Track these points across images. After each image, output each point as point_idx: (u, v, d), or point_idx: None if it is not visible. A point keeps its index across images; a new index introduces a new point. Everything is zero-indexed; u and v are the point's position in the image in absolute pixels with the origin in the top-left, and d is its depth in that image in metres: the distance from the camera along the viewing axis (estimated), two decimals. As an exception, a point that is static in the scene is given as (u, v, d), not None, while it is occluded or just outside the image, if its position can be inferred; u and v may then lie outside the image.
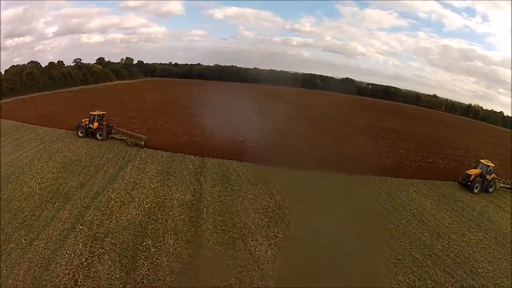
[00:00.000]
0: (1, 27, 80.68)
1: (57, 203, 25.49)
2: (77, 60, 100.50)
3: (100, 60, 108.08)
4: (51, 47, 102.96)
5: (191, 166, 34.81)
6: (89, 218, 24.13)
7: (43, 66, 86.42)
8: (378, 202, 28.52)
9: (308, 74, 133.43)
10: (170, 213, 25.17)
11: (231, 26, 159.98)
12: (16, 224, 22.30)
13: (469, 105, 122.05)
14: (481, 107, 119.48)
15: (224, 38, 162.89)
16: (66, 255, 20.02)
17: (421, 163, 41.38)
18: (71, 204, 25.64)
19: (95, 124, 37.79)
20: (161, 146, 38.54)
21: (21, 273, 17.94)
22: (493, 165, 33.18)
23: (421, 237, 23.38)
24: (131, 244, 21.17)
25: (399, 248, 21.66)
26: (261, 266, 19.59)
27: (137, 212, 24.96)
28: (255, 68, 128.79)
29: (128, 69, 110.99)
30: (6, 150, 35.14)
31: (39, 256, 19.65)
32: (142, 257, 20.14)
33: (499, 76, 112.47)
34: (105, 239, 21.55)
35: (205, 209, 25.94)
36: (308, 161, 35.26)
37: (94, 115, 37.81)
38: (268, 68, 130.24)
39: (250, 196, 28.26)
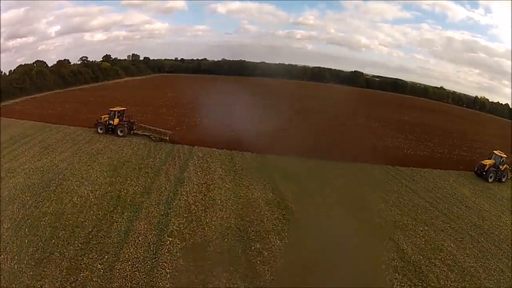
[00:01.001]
0: (3, 29, 77.67)
1: (125, 213, 21.74)
2: (84, 58, 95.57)
3: (107, 58, 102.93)
4: (54, 47, 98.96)
5: (254, 163, 32.05)
6: (174, 227, 20.70)
7: (49, 65, 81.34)
8: (429, 191, 30.27)
9: (317, 67, 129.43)
10: (261, 213, 23.08)
11: (234, 20, 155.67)
12: (80, 245, 18.15)
13: (476, 97, 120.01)
14: (487, 99, 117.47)
15: (228, 32, 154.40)
16: (168, 275, 16.65)
17: (450, 155, 42.09)
18: (145, 213, 22.04)
19: (116, 120, 36.00)
20: (213, 144, 35.88)
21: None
22: (506, 156, 34.88)
23: (471, 219, 25.95)
24: (240, 250, 18.64)
25: (459, 229, 24.24)
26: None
27: (228, 215, 22.31)
28: (263, 62, 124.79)
29: (137, 65, 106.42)
30: (34, 153, 31.37)
31: (132, 283, 16.02)
32: (258, 262, 17.82)
33: (502, 67, 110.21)
34: (207, 249, 18.55)
35: (293, 206, 24.30)
36: (352, 154, 34.71)
37: (114, 111, 36.11)
38: (275, 62, 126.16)
39: (328, 192, 26.32)
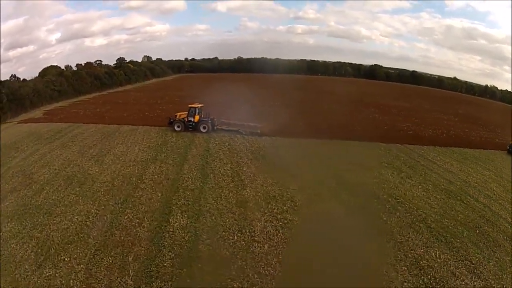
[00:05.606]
0: (2, 40, 75.33)
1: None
2: (98, 62, 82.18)
3: (120, 61, 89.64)
4: (55, 54, 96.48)
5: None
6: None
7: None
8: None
9: (337, 62, 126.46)
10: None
11: (234, 18, 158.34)
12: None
13: (486, 86, 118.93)
14: (496, 88, 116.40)
15: (228, 30, 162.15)
16: None
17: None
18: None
19: (197, 117, 32.71)
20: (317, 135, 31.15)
21: None
22: None
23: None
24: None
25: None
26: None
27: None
28: (277, 58, 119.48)
29: (160, 66, 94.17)
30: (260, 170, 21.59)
31: None
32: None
33: (503, 53, 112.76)
34: None
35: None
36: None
37: (195, 107, 32.93)
38: (296, 58, 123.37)
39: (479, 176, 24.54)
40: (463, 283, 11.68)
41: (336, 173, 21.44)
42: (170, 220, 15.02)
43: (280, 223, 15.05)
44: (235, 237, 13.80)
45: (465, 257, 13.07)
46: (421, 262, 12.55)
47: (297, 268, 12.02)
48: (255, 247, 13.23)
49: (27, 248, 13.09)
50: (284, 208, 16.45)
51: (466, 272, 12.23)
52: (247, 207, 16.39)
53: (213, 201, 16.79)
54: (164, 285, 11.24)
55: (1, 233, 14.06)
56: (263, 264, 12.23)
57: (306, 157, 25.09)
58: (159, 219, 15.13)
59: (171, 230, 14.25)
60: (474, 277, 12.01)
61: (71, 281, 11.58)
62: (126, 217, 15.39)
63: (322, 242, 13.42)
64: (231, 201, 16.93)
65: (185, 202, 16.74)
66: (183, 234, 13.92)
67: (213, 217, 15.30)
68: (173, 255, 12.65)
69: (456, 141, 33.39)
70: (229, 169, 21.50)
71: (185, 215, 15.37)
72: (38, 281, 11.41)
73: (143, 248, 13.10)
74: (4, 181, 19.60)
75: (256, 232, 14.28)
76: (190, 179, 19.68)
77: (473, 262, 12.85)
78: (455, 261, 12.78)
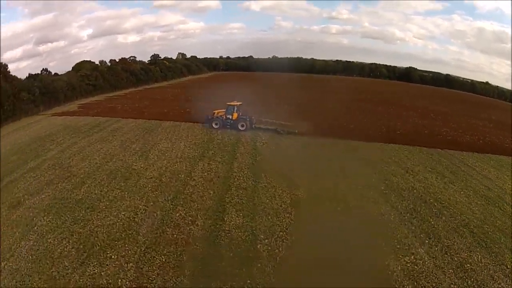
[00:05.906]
0: (31, 35, 74.88)
1: None
2: (132, 58, 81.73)
3: (155, 57, 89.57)
4: (87, 50, 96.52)
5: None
6: None
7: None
8: None
9: (373, 63, 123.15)
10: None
11: (268, 17, 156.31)
12: None
13: None
14: None
15: (263, 29, 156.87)
16: None
17: None
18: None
19: (235, 115, 32.21)
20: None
21: None
22: None
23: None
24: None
25: None
26: None
27: None
28: (312, 58, 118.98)
29: (195, 63, 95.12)
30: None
31: None
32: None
33: None
34: None
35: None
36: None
37: (233, 105, 32.50)
38: (334, 59, 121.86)
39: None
40: (500, 286, 11.82)
41: (383, 176, 20.97)
42: (225, 218, 14.27)
43: (336, 224, 14.82)
44: (293, 237, 13.35)
45: (502, 262, 13.15)
46: (466, 266, 12.68)
47: (352, 267, 12.11)
48: (313, 247, 13.00)
49: (67, 244, 12.35)
50: (338, 209, 16.11)
51: (503, 276, 12.35)
52: (301, 207, 15.89)
53: (267, 201, 16.14)
54: (224, 285, 10.62)
55: (35, 227, 13.65)
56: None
57: (352, 159, 24.26)
58: (213, 218, 14.33)
59: (227, 229, 13.53)
60: (509, 281, 12.16)
61: (120, 280, 10.76)
62: (177, 214, 14.55)
63: (378, 244, 13.45)
64: (285, 201, 16.35)
65: (238, 200, 15.99)
66: (239, 234, 13.26)
67: (269, 217, 14.72)
68: (231, 254, 12.00)
69: (492, 148, 32.31)
70: (279, 169, 20.60)
71: (240, 214, 14.67)
72: (80, 280, 10.62)
73: (198, 247, 12.32)
74: (39, 173, 19.15)
75: (313, 232, 13.99)
76: (242, 178, 18.92)
77: (509, 267, 12.95)
78: (493, 265, 12.87)
